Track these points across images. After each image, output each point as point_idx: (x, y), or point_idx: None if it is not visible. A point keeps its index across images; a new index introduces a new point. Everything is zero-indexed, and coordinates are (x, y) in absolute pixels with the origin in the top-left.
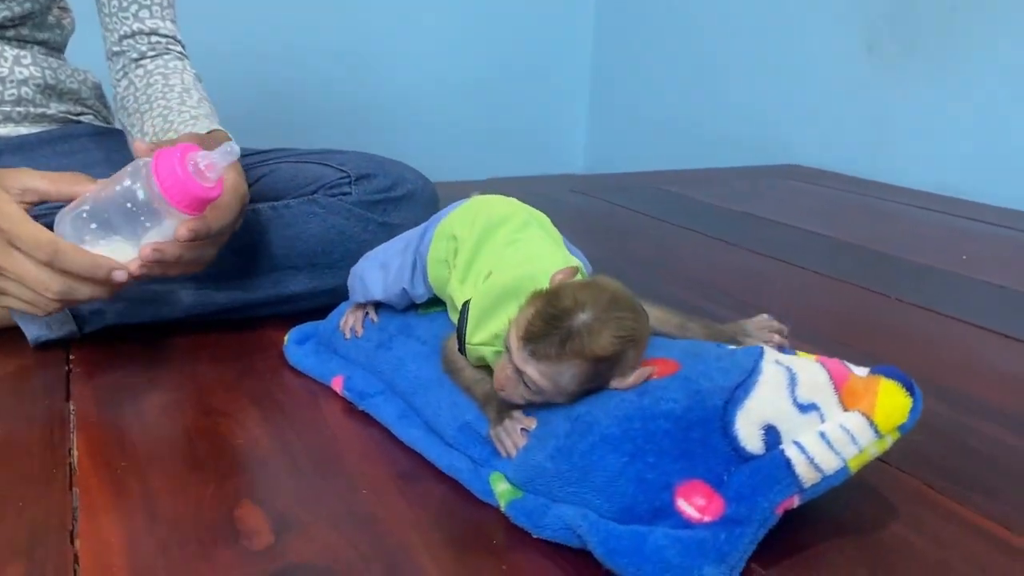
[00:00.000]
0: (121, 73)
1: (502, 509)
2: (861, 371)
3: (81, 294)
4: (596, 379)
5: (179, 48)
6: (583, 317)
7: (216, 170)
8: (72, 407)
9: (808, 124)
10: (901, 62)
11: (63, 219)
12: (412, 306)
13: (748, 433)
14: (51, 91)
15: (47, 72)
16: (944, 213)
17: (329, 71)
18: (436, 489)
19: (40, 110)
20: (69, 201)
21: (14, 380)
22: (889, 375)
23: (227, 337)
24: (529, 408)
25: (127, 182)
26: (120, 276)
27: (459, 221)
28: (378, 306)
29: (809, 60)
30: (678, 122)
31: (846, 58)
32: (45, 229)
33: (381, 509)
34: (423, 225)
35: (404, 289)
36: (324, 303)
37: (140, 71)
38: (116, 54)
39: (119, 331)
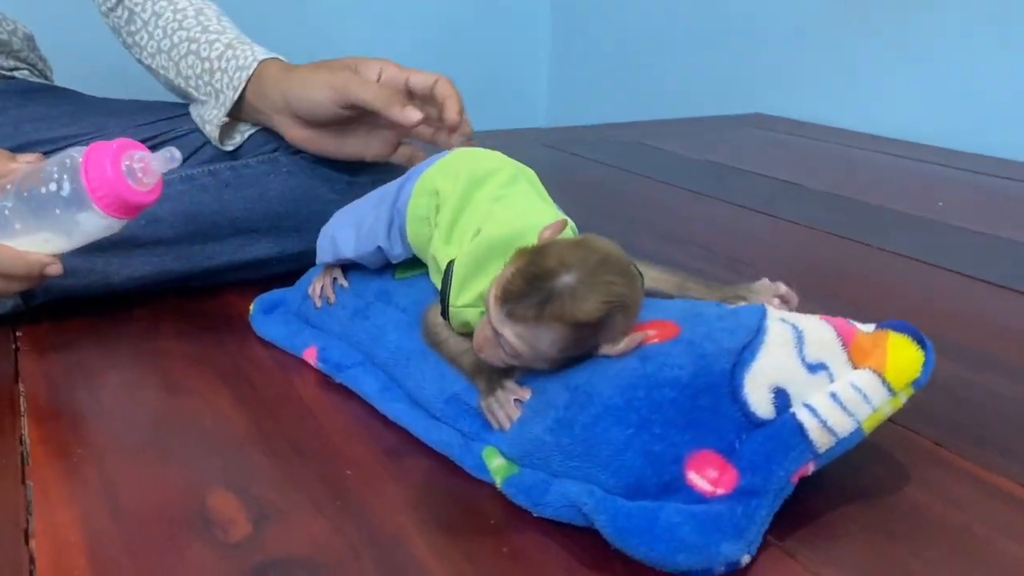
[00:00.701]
0: (114, 1)
1: (498, 486)
2: (867, 327)
3: (12, 289)
4: (579, 345)
5: None
6: (567, 279)
7: (152, 174)
8: (22, 389)
9: (772, 73)
10: (866, 8)
11: None
12: (389, 269)
13: (758, 397)
14: None
15: None
16: (913, 159)
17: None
18: (425, 466)
19: None
20: None
21: None
22: (897, 329)
23: (187, 307)
24: (524, 378)
25: (53, 179)
26: (54, 271)
27: (441, 175)
28: (347, 270)
29: (773, 7)
30: (640, 71)
31: (810, 5)
32: None
33: (367, 492)
34: (400, 179)
35: (379, 247)
36: (289, 268)
37: (146, 3)
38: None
39: (70, 304)
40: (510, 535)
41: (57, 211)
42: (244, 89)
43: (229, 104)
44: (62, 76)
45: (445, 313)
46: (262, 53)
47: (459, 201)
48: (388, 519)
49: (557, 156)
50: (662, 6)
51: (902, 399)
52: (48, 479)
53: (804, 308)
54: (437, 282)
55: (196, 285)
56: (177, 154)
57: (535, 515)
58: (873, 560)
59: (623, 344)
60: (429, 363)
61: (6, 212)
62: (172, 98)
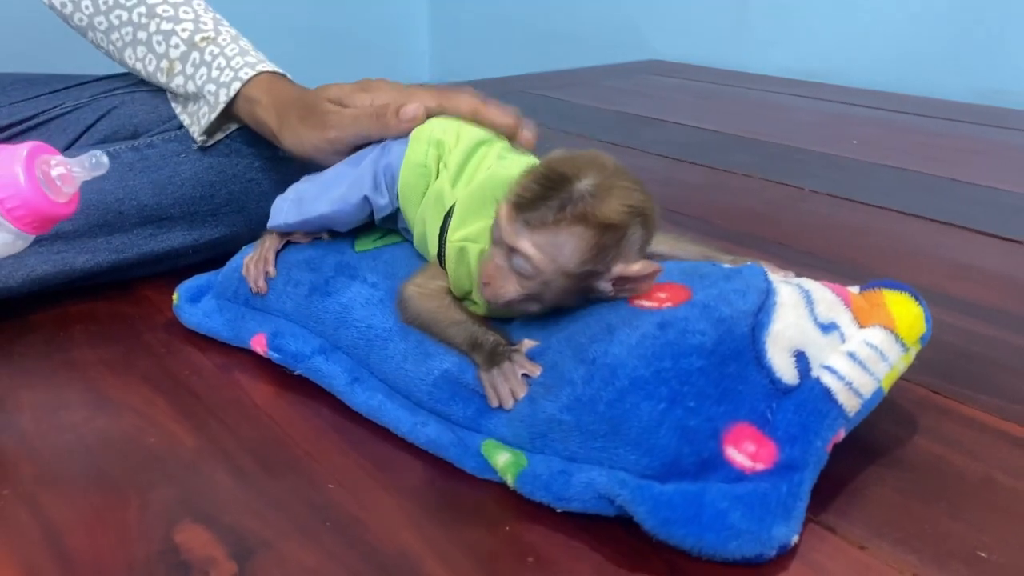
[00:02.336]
0: None
1: (510, 485)
2: (853, 289)
3: None
4: (600, 259)
5: None
6: (586, 182)
7: (73, 183)
8: None
9: (664, 18)
10: None
11: None
12: (346, 241)
13: (781, 362)
14: None
15: None
16: (816, 99)
17: None
18: (418, 470)
19: None
20: None
21: None
22: (891, 287)
23: (98, 306)
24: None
25: None
26: None
27: (440, 129)
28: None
29: None
30: (523, 22)
31: None
32: None
33: (358, 508)
34: (379, 144)
35: (365, 197)
36: (207, 258)
37: None
38: None
39: None
40: (532, 541)
41: None
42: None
43: (206, 122)
44: None
45: (441, 254)
46: (245, 64)
47: (469, 149)
48: (389, 537)
49: None
50: None
51: (912, 354)
52: None
53: (750, 256)
54: (423, 248)
55: (103, 282)
56: (104, 159)
57: (558, 510)
58: (915, 527)
59: (638, 265)
60: (409, 341)
61: None
62: (47, 70)
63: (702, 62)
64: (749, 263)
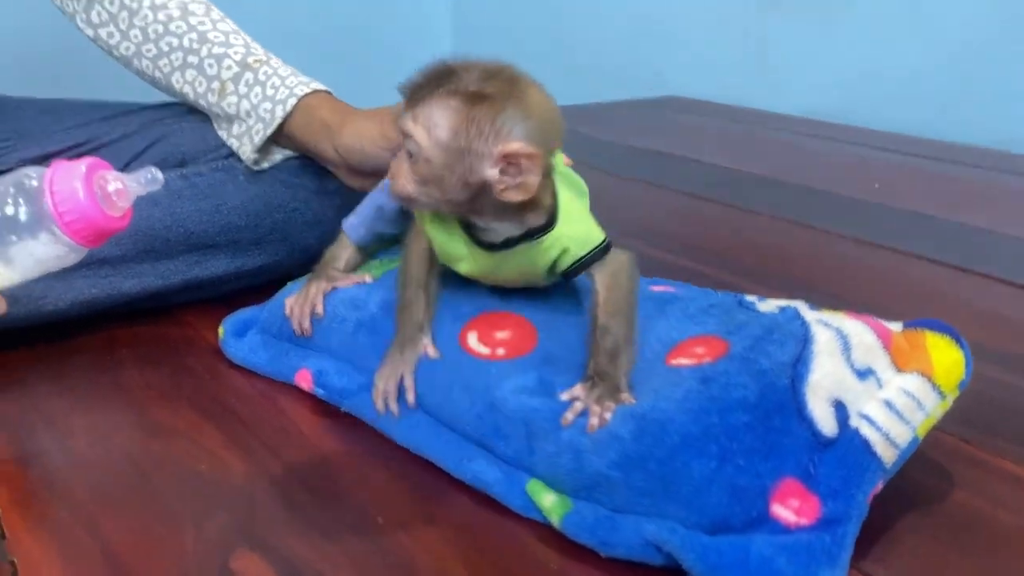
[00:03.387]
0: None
1: (555, 526)
2: (895, 326)
3: None
4: (474, 133)
5: None
6: (469, 71)
7: (128, 198)
8: None
9: (684, 55)
10: None
11: None
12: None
13: (822, 413)
14: None
15: None
16: (836, 140)
17: None
18: (464, 505)
19: None
20: None
21: None
22: (933, 328)
23: (144, 331)
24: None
25: (7, 202)
26: None
27: None
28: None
29: None
30: (542, 55)
31: None
32: None
33: (408, 540)
34: None
35: None
36: (249, 285)
37: None
38: None
39: (8, 336)
40: None
41: (13, 239)
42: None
43: (260, 138)
44: None
45: None
46: (299, 83)
47: None
48: (438, 572)
49: None
50: None
51: (949, 401)
52: (34, 553)
53: (776, 297)
54: None
55: (148, 307)
56: (159, 175)
57: (603, 555)
58: None
59: (517, 144)
60: (456, 373)
61: None
62: (97, 95)
63: (722, 100)
64: (783, 305)
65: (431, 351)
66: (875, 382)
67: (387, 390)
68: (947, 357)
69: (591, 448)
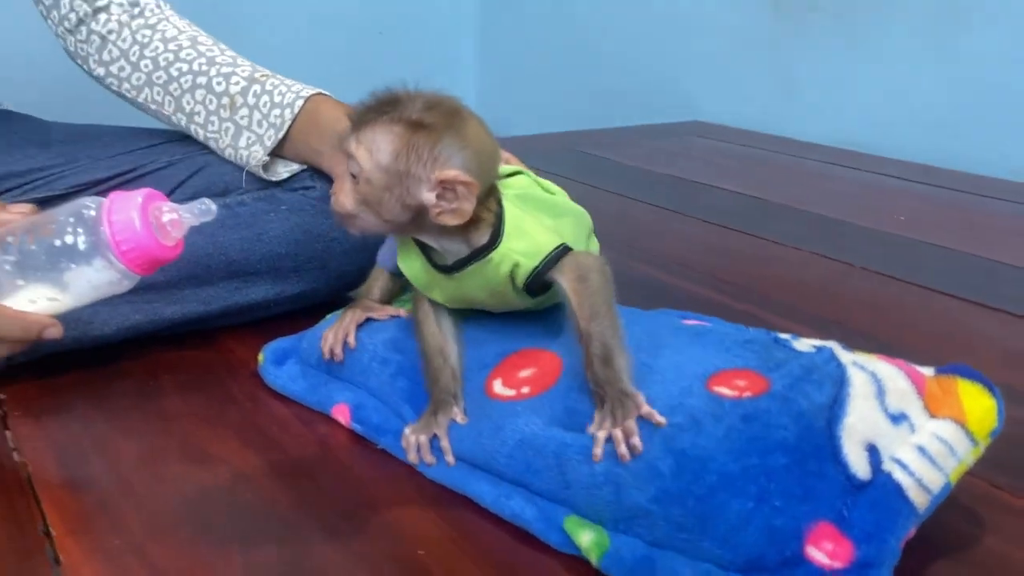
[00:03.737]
0: (74, 20)
1: (594, 564)
2: (928, 371)
3: (1, 353)
4: (413, 158)
5: None
6: (414, 101)
7: (181, 229)
8: (28, 467)
9: (710, 80)
10: (805, 17)
11: None
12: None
13: (856, 457)
14: None
15: None
16: (860, 169)
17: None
18: (503, 542)
19: None
20: None
21: None
22: (965, 375)
23: (184, 356)
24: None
25: (67, 231)
26: (54, 333)
27: None
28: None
29: (711, 14)
30: (567, 78)
31: (750, 13)
32: None
33: (444, 572)
34: None
35: None
36: (287, 310)
37: (109, 22)
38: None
39: (53, 359)
40: None
41: (71, 266)
42: (290, 126)
43: (272, 142)
44: (10, 97)
45: None
46: (303, 87)
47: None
48: None
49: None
50: (597, 12)
51: (981, 449)
52: None
53: (805, 333)
54: None
55: (188, 331)
56: (213, 207)
57: None
58: None
59: (454, 172)
60: (493, 412)
61: (6, 267)
62: (140, 123)
63: (747, 126)
64: (818, 345)
65: (460, 419)
66: (908, 427)
67: (420, 443)
68: (979, 405)
69: (631, 482)
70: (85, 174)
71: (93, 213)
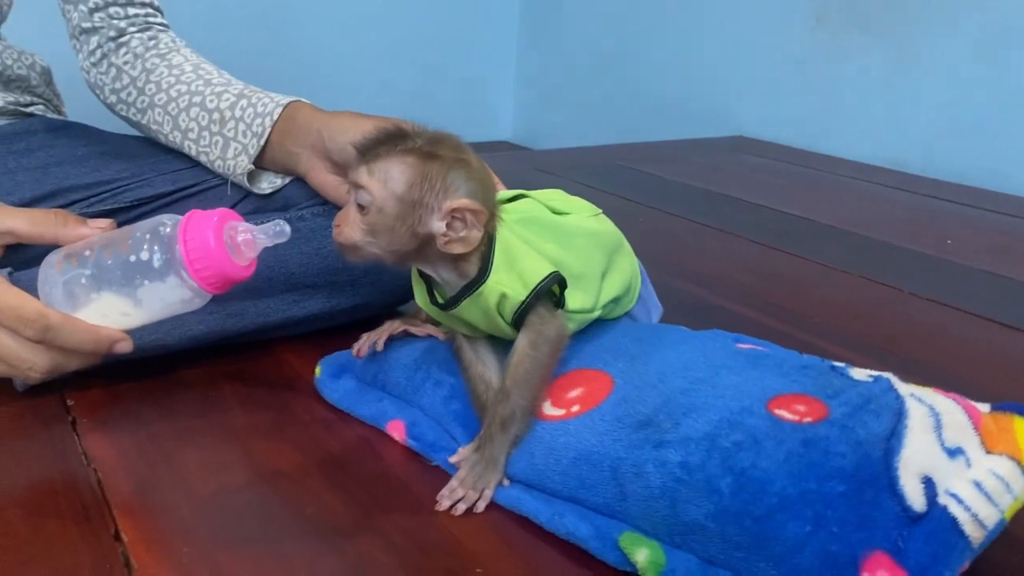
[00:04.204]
0: (99, 56)
1: None
2: (983, 407)
3: (71, 366)
4: (426, 188)
5: (160, 19)
6: (419, 132)
7: (255, 249)
8: (97, 474)
9: (754, 96)
10: (849, 34)
11: (52, 280)
12: None
13: (912, 489)
14: None
15: None
16: (904, 190)
17: (252, 36)
18: (558, 559)
19: None
20: (48, 246)
21: (10, 436)
22: (1021, 413)
23: (244, 368)
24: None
25: (144, 248)
26: (124, 348)
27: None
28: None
29: (755, 30)
30: (607, 90)
31: (793, 29)
32: (29, 298)
33: None
34: None
35: None
36: (341, 323)
37: (127, 55)
38: (87, 31)
39: (116, 367)
40: None
41: (145, 283)
42: (270, 133)
43: (255, 150)
44: (73, 112)
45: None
46: (284, 98)
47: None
48: None
49: (557, 183)
50: (640, 26)
51: None
52: None
53: (861, 363)
54: None
55: (247, 342)
56: (287, 229)
57: None
58: None
59: (465, 200)
60: (538, 442)
61: (82, 281)
62: None
63: (789, 142)
64: (875, 375)
65: (505, 482)
66: (964, 461)
67: (467, 497)
68: None
69: (688, 497)
70: (149, 188)
71: (169, 231)
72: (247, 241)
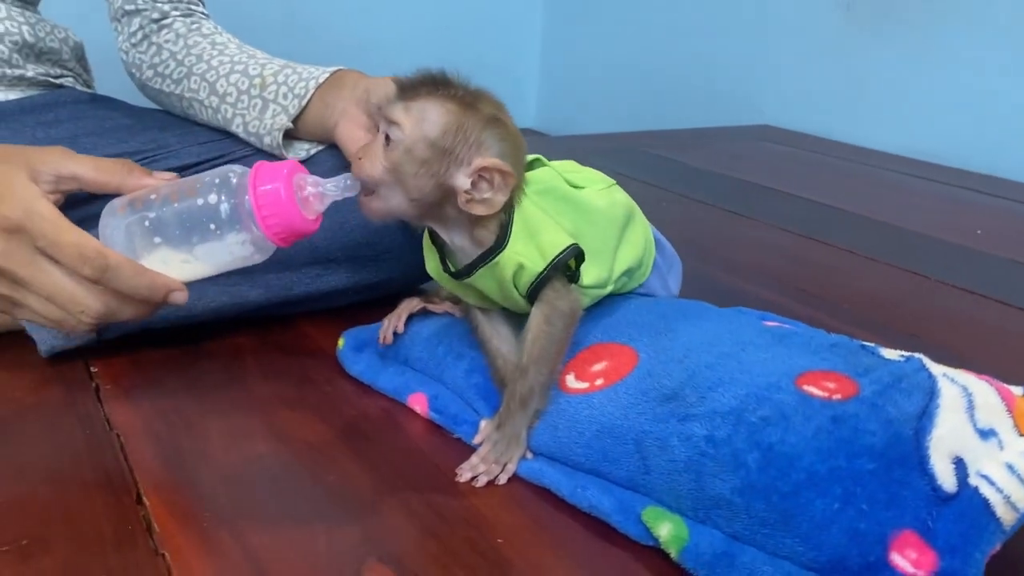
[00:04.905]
0: (139, 36)
1: (673, 557)
2: (1017, 390)
3: (124, 315)
4: (460, 139)
5: (202, 8)
6: (462, 83)
7: (323, 203)
8: (120, 440)
9: (780, 84)
10: (878, 23)
11: (114, 224)
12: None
13: (943, 469)
14: (29, 50)
15: (24, 28)
16: (932, 180)
17: (274, 20)
18: (580, 531)
19: (17, 72)
20: (111, 195)
21: (35, 402)
22: None
23: (266, 340)
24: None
25: (211, 196)
26: (179, 298)
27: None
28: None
29: (782, 18)
30: (632, 77)
31: (821, 18)
32: (90, 236)
33: (527, 566)
34: None
35: None
36: (363, 299)
37: (168, 34)
38: (129, 13)
39: (140, 336)
40: None
41: (210, 227)
42: (313, 94)
43: (295, 110)
44: (103, 91)
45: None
46: (335, 68)
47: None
48: None
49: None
50: (665, 12)
51: None
52: (184, 550)
53: (882, 345)
54: None
55: (268, 315)
56: (356, 184)
57: None
58: None
59: (496, 159)
60: (561, 415)
61: (145, 223)
62: None
63: (815, 131)
64: (906, 355)
65: (528, 455)
66: (997, 443)
67: (489, 471)
68: None
69: (714, 470)
70: (175, 159)
71: (238, 180)
72: (316, 195)
